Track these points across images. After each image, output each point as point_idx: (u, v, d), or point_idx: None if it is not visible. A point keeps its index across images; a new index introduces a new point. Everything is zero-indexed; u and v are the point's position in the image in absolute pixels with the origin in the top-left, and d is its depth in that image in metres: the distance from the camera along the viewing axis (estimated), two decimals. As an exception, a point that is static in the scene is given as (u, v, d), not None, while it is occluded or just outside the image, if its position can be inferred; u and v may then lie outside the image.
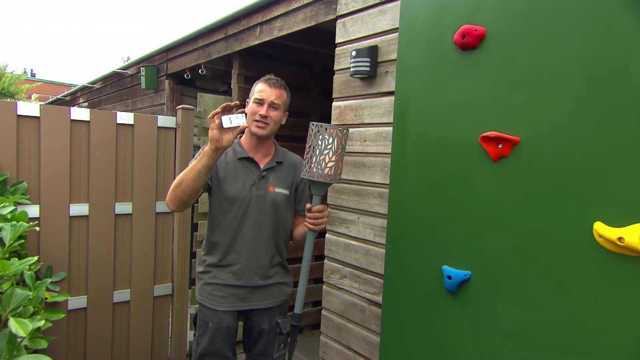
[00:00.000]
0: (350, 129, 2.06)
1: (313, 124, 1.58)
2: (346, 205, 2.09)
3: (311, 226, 1.62)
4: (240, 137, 1.89)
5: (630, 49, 1.09)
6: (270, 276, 1.83)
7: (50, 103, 9.92)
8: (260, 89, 1.78)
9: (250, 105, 1.80)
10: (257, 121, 1.76)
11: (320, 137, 1.55)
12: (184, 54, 3.92)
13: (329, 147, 1.54)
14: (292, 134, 3.38)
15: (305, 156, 1.60)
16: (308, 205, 1.64)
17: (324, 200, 2.23)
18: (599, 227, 1.13)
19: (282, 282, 1.89)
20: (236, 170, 1.80)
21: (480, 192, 1.40)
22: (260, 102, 1.77)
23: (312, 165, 1.56)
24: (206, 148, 1.58)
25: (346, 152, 2.08)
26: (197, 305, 1.88)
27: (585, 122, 1.17)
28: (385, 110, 1.88)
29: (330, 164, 1.54)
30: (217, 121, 1.55)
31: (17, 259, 1.64)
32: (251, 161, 1.81)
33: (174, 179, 2.73)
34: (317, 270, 3.65)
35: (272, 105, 1.77)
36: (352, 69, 1.95)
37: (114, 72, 5.59)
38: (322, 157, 1.54)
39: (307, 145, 1.59)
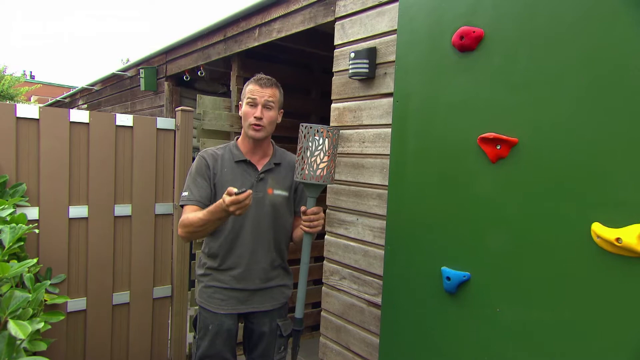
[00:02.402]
0: (349, 131, 2.07)
1: (303, 126, 1.57)
2: (345, 206, 2.09)
3: (307, 229, 1.61)
4: (237, 139, 1.87)
5: (629, 50, 1.10)
6: (271, 278, 1.83)
7: (50, 105, 9.92)
8: (252, 90, 1.74)
9: (244, 108, 1.77)
10: (252, 124, 1.73)
11: (311, 138, 1.54)
12: (183, 55, 3.92)
13: (320, 148, 1.53)
14: (292, 135, 3.38)
15: (297, 158, 1.59)
16: (303, 208, 1.63)
17: (322, 202, 2.23)
18: (597, 228, 1.13)
19: (282, 285, 1.88)
20: (233, 173, 1.77)
21: (479, 193, 1.40)
22: (253, 103, 1.73)
23: (305, 167, 1.55)
24: (225, 208, 1.47)
25: (345, 154, 2.09)
26: (196, 307, 1.88)
27: (584, 123, 1.17)
28: (384, 111, 1.89)
29: (322, 165, 1.53)
30: (248, 202, 1.48)
31: (16, 261, 1.64)
32: (248, 164, 1.79)
33: (174, 181, 2.76)
34: (316, 272, 3.65)
35: (266, 106, 1.74)
36: (350, 71, 1.95)
37: (113, 74, 5.60)
38: (313, 159, 1.53)
39: (298, 148, 1.58)
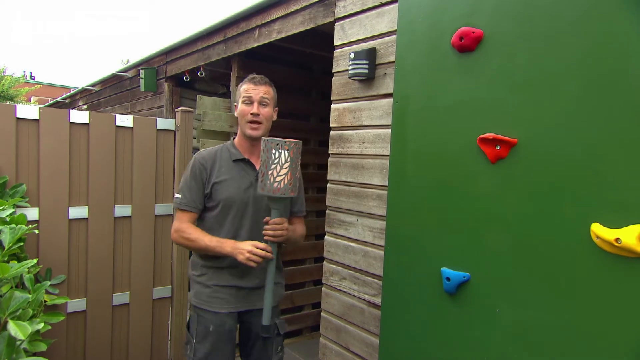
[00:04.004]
0: (349, 131, 2.07)
1: (263, 140, 1.61)
2: (345, 207, 2.09)
3: (269, 238, 1.64)
4: (233, 138, 1.88)
5: (627, 50, 1.10)
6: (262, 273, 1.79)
7: (50, 106, 9.93)
8: (246, 89, 1.77)
9: (240, 107, 1.78)
10: (250, 122, 1.76)
11: (269, 152, 1.57)
12: (183, 56, 3.93)
13: (276, 161, 1.56)
14: (292, 136, 3.37)
15: (259, 171, 1.62)
16: (266, 218, 1.66)
17: (322, 202, 2.23)
18: (597, 228, 1.13)
19: (277, 282, 1.86)
20: (232, 172, 1.78)
21: (479, 193, 1.40)
22: (249, 101, 1.76)
23: (263, 180, 1.58)
24: (234, 252, 1.66)
25: (345, 154, 2.09)
26: None
27: (583, 123, 1.17)
28: (383, 112, 1.89)
29: (279, 178, 1.56)
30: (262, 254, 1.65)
31: (16, 262, 1.64)
32: (247, 162, 1.80)
33: (174, 181, 2.76)
34: (316, 272, 3.65)
35: (261, 102, 1.77)
36: (350, 71, 1.95)
37: (113, 75, 5.60)
38: (270, 172, 1.57)
39: (261, 161, 1.61)
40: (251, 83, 1.78)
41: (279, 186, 1.57)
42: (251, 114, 1.75)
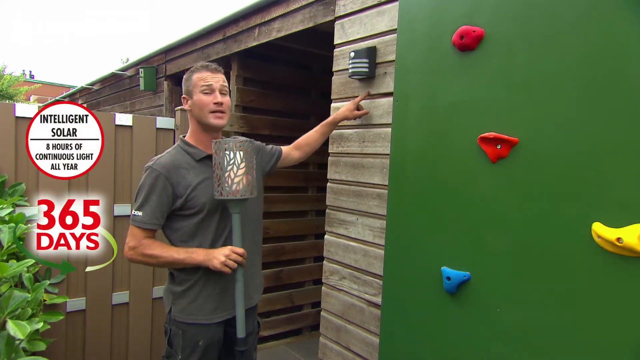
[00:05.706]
0: (349, 130, 2.07)
1: (213, 142, 1.54)
2: (345, 206, 2.09)
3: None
4: (183, 137, 1.70)
5: (628, 50, 1.09)
6: (254, 268, 1.73)
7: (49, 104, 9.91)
8: (203, 77, 1.60)
9: (197, 97, 1.60)
10: (214, 112, 1.60)
11: (221, 154, 1.50)
12: (182, 55, 3.92)
13: (232, 162, 1.50)
14: (292, 136, 3.36)
15: (213, 176, 1.55)
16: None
17: (322, 201, 2.23)
18: (598, 228, 1.13)
19: (259, 275, 1.80)
20: (203, 173, 1.61)
21: (479, 193, 1.40)
22: (209, 90, 1.60)
23: (220, 184, 1.51)
24: (207, 259, 1.54)
25: (345, 153, 2.09)
26: None
27: (584, 122, 1.17)
28: (384, 111, 1.89)
29: (237, 180, 1.50)
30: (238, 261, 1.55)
31: (15, 261, 1.64)
32: (211, 159, 1.62)
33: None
34: (316, 272, 3.65)
35: (222, 91, 1.62)
36: (350, 70, 1.95)
37: (113, 74, 5.59)
38: (227, 174, 1.50)
39: (213, 165, 1.54)
40: (207, 71, 1.61)
41: (237, 188, 1.50)
42: (214, 103, 1.59)
